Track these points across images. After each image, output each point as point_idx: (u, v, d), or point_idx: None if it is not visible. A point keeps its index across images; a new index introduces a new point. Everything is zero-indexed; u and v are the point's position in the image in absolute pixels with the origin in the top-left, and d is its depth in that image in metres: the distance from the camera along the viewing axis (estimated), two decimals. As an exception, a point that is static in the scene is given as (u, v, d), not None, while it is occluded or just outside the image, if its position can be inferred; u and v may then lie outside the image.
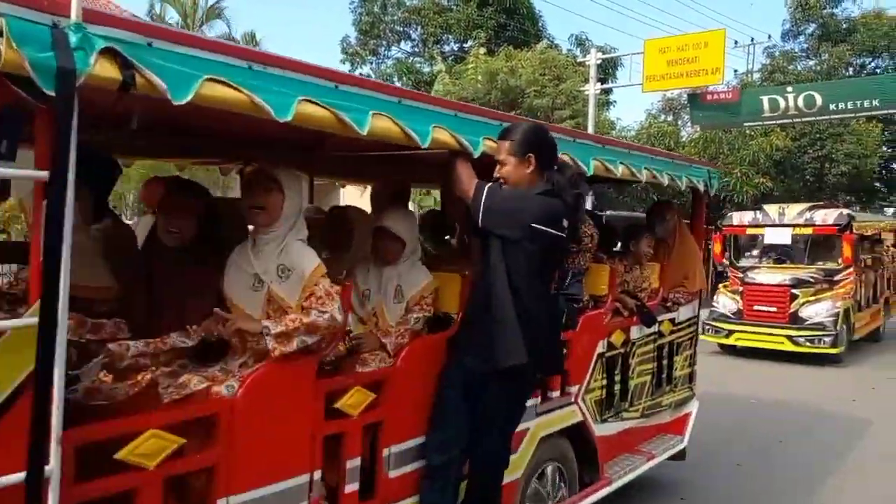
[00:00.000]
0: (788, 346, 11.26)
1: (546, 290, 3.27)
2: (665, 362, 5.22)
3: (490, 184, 3.15)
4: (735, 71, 28.42)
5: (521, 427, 3.76)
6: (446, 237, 5.05)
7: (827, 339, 11.05)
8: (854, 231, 11.76)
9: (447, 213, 4.81)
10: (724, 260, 13.22)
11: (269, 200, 2.75)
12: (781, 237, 12.29)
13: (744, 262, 12.90)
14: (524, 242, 3.08)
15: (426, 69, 28.84)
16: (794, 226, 11.96)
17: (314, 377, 2.72)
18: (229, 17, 28.50)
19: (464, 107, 3.26)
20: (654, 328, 4.98)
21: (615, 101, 29.71)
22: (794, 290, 11.32)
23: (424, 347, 3.26)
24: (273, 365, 2.57)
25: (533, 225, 3.07)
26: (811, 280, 11.54)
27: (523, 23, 28.73)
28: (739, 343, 11.84)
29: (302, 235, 2.86)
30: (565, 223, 3.20)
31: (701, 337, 6.05)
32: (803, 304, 11.27)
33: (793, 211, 12.18)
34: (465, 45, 28.72)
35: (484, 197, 3.09)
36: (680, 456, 5.46)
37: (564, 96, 21.90)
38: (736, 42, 24.46)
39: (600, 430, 4.47)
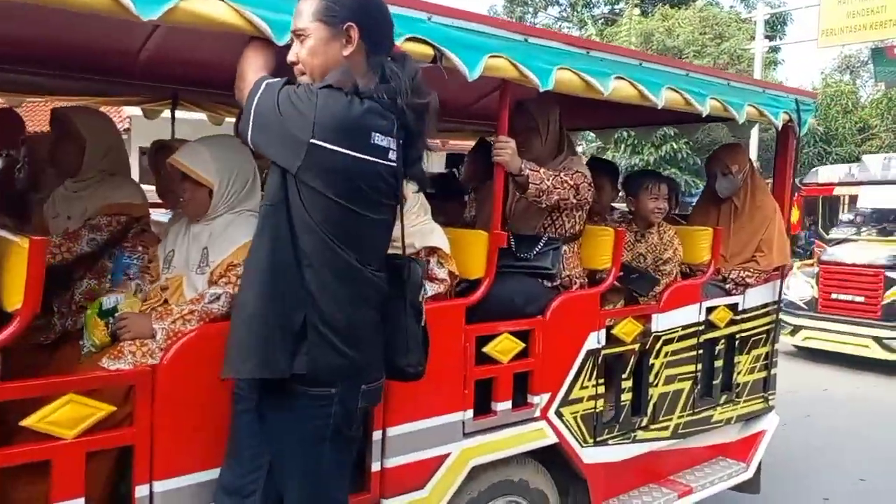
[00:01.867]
0: (878, 352, 7.86)
1: (367, 263, 1.93)
2: (719, 363, 3.71)
3: (277, 80, 1.91)
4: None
5: (435, 453, 2.58)
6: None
7: None
8: None
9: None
10: (801, 231, 10.15)
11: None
12: (885, 198, 8.58)
13: (837, 234, 9.46)
14: (306, 174, 1.80)
15: (575, 33, 27.14)
16: None
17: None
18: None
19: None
20: (697, 316, 3.50)
21: (783, 61, 26.30)
22: (890, 274, 7.80)
23: (207, 341, 2.07)
24: None
25: (314, 141, 1.77)
26: None
27: (681, -22, 26.05)
28: (810, 343, 8.60)
29: None
30: (391, 144, 1.91)
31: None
32: None
33: None
34: (615, 7, 26.92)
35: (257, 98, 1.88)
36: (751, 488, 3.96)
37: (727, 56, 20.35)
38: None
39: (594, 455, 3.13)
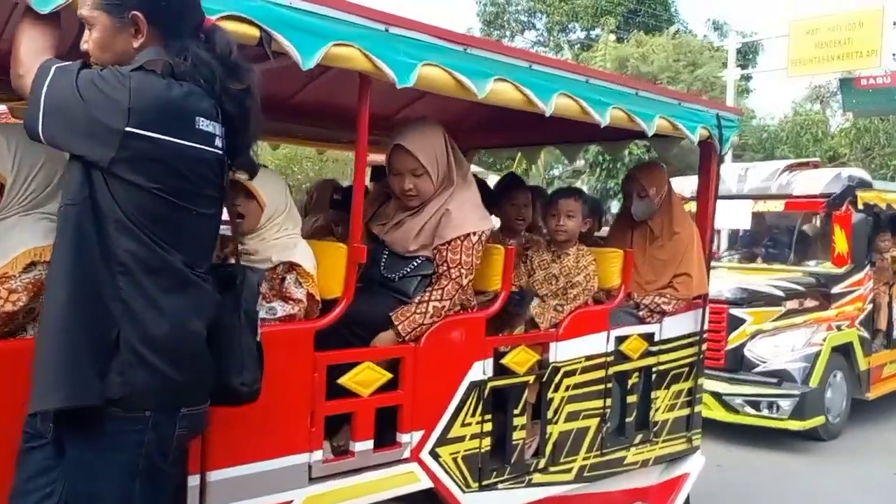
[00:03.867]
0: (718, 412, 5.92)
1: (194, 265, 1.66)
2: (633, 399, 3.37)
3: (70, 63, 1.60)
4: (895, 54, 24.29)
5: (271, 502, 2.22)
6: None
7: (786, 401, 5.78)
8: (862, 206, 6.56)
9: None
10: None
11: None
12: (735, 216, 7.00)
13: None
14: (120, 167, 1.52)
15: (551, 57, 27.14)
16: (757, 197, 6.93)
17: None
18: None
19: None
20: (605, 346, 3.17)
21: (755, 89, 26.45)
22: (735, 311, 6.07)
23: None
24: None
25: (130, 129, 1.50)
26: (779, 293, 6.31)
27: (655, 8, 26.36)
28: None
29: None
30: (216, 130, 1.65)
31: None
32: (754, 335, 6.11)
33: (760, 173, 7.12)
34: (591, 33, 26.98)
35: (47, 83, 1.56)
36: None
37: (701, 83, 20.31)
38: (896, 23, 20.96)
39: (478, 501, 2.77)
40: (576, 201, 3.24)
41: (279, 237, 2.38)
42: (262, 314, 2.27)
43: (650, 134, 3.09)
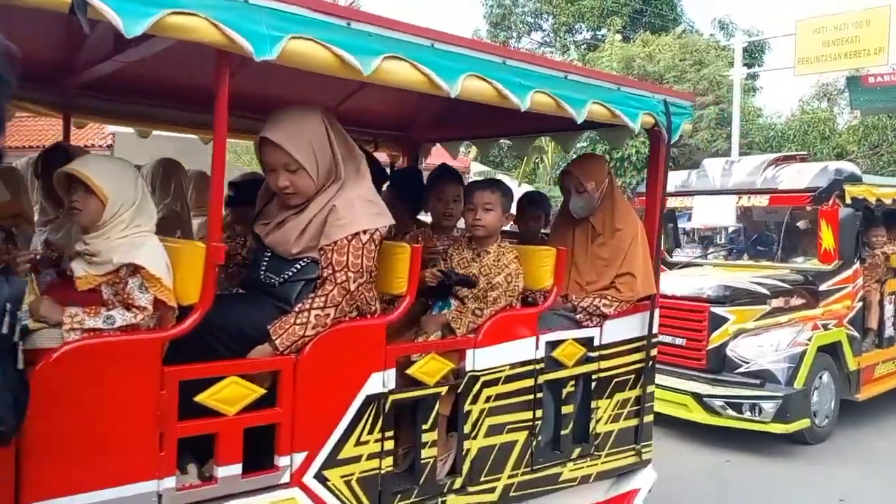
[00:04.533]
0: (698, 415, 5.62)
1: None
2: (569, 409, 3.02)
3: None
4: (904, 52, 23.65)
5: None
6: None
7: (768, 403, 5.37)
8: (850, 201, 6.08)
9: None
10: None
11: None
12: (719, 212, 6.66)
13: (680, 256, 7.43)
14: None
15: (558, 58, 26.77)
16: (741, 192, 6.52)
17: None
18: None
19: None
20: (533, 352, 2.82)
21: (762, 88, 25.80)
22: (716, 309, 5.70)
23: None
24: None
25: None
26: (763, 291, 5.91)
27: (661, 8, 25.85)
28: None
29: None
30: None
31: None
32: (736, 334, 5.69)
33: (745, 167, 6.73)
34: (598, 34, 26.57)
35: None
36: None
37: (707, 82, 20.00)
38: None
39: (379, 527, 2.44)
40: (492, 193, 2.88)
41: (125, 235, 2.08)
42: (97, 323, 1.97)
43: (579, 121, 2.73)
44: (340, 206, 2.31)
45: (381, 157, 4.85)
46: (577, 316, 3.05)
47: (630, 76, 20.05)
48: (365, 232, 2.30)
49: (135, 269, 2.03)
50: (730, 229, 7.71)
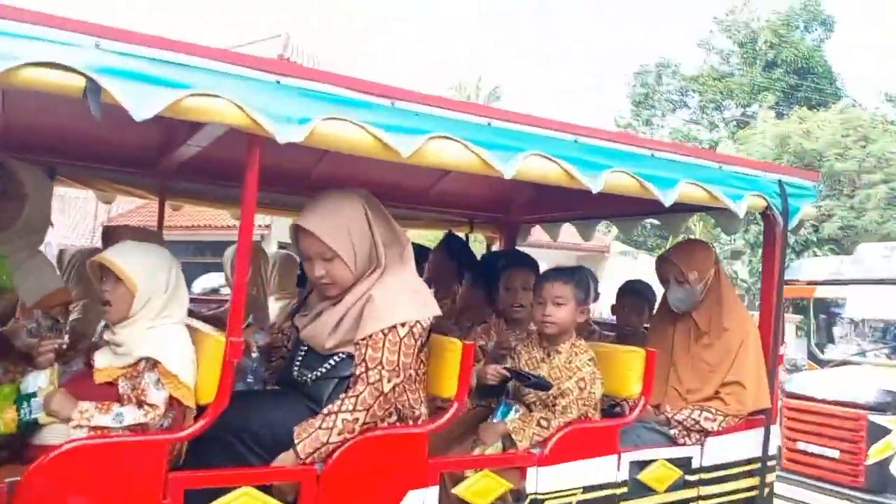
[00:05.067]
0: None
1: None
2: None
3: None
4: None
5: None
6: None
7: None
8: None
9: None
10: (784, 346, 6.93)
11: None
12: (881, 303, 5.79)
13: (834, 353, 6.38)
14: None
15: (704, 136, 25.73)
16: None
17: None
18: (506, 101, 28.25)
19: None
20: (613, 474, 2.37)
21: (938, 164, 23.19)
22: (876, 418, 4.83)
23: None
24: None
25: None
26: None
27: (819, 82, 24.23)
28: None
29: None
30: None
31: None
32: None
33: None
34: (747, 110, 25.30)
35: None
36: None
37: (874, 159, 18.42)
38: None
39: None
40: (564, 284, 2.51)
41: (152, 326, 1.94)
42: (105, 420, 1.82)
43: (666, 203, 2.35)
44: (378, 297, 2.07)
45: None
46: (672, 431, 2.56)
47: (786, 154, 18.89)
48: (403, 325, 2.04)
49: (154, 364, 1.89)
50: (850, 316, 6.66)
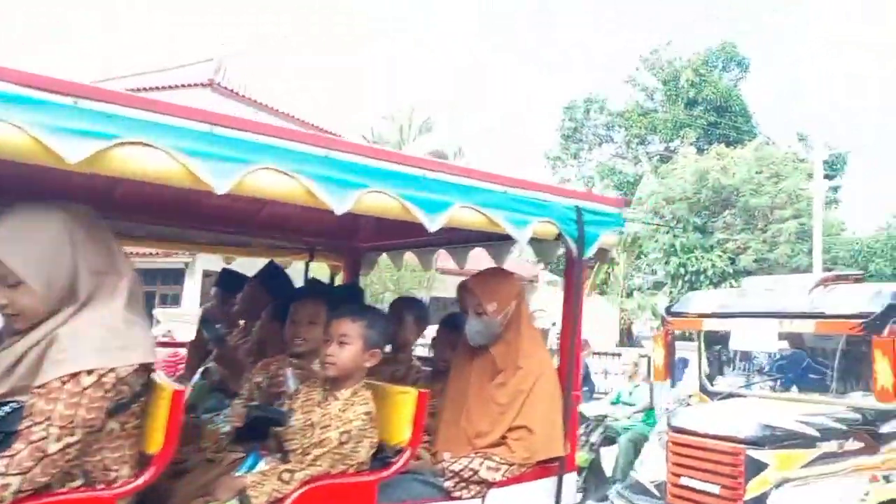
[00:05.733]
0: None
1: None
2: None
3: None
4: None
5: None
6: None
7: None
8: None
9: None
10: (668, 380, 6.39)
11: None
12: (757, 338, 5.62)
13: (722, 385, 6.39)
14: None
15: (629, 170, 26.22)
16: (784, 316, 5.48)
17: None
18: (439, 132, 28.29)
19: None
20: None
21: (842, 201, 24.22)
22: (753, 452, 4.74)
23: None
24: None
25: None
26: (812, 432, 4.87)
27: (736, 120, 25.04)
28: None
29: None
30: None
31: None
32: (778, 483, 4.64)
33: (791, 288, 5.73)
34: (670, 146, 25.98)
35: None
36: None
37: (785, 195, 19.04)
38: None
39: None
40: (352, 322, 2.21)
41: None
42: None
43: (430, 228, 2.08)
44: (65, 336, 1.71)
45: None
46: (446, 483, 2.26)
47: (704, 189, 19.34)
48: (91, 372, 1.68)
49: None
50: (775, 355, 6.59)
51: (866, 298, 5.10)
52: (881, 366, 4.79)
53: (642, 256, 21.98)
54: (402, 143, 26.30)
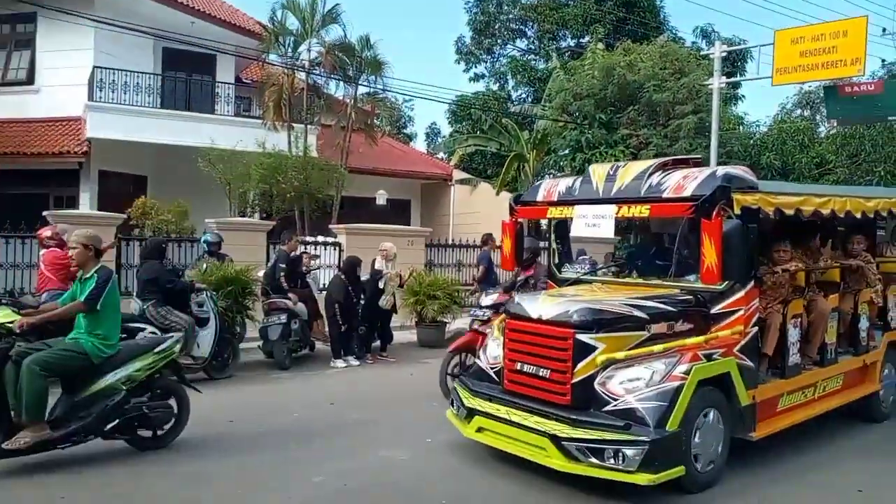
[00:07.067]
0: (557, 461, 4.61)
1: None
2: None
3: None
4: (883, 61, 22.55)
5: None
6: None
7: (632, 450, 4.36)
8: (740, 211, 4.98)
9: None
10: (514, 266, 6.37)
11: None
12: (597, 224, 5.54)
13: (569, 272, 6.55)
14: None
15: (541, 66, 25.83)
16: (621, 201, 5.49)
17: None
18: (345, 22, 26.80)
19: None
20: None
21: (744, 96, 24.64)
22: (582, 336, 4.78)
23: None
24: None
25: None
26: (640, 314, 5.00)
27: (644, 16, 24.87)
28: (486, 439, 5.21)
29: None
30: None
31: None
32: (606, 365, 4.77)
33: (631, 173, 5.66)
34: (581, 41, 25.70)
35: None
36: None
37: (686, 91, 19.32)
38: (885, 30, 19.63)
39: None
40: None
41: None
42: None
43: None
44: None
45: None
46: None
47: (611, 84, 19.24)
48: None
49: None
50: (626, 242, 6.72)
51: (699, 182, 5.18)
52: (708, 248, 4.89)
53: (551, 153, 22.00)
54: (306, 33, 24.86)
